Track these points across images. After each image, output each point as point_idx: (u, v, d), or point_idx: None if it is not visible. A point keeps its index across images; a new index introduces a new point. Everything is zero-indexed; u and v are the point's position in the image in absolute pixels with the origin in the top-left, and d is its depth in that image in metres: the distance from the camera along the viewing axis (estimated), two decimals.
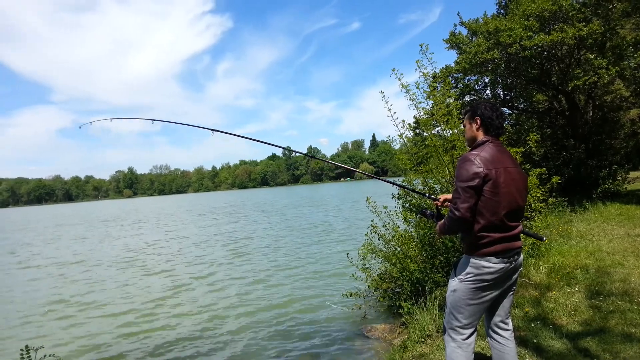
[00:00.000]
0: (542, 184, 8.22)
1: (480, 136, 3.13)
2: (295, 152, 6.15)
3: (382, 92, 7.53)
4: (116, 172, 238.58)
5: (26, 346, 4.10)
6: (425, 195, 4.01)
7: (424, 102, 7.59)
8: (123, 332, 8.19)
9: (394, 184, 5.00)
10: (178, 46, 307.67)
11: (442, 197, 3.56)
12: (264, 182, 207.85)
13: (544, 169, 8.47)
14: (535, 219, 9.67)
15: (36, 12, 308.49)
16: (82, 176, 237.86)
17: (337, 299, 8.63)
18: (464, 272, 3.01)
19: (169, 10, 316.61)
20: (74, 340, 7.94)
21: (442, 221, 3.12)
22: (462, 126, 3.43)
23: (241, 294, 10.26)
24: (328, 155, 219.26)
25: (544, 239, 3.64)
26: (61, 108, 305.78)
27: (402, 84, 7.50)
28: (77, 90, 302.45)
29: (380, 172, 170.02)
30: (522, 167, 9.99)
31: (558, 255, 7.49)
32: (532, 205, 7.59)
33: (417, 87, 7.59)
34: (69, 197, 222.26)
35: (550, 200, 8.48)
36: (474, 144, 3.16)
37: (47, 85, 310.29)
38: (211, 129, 5.15)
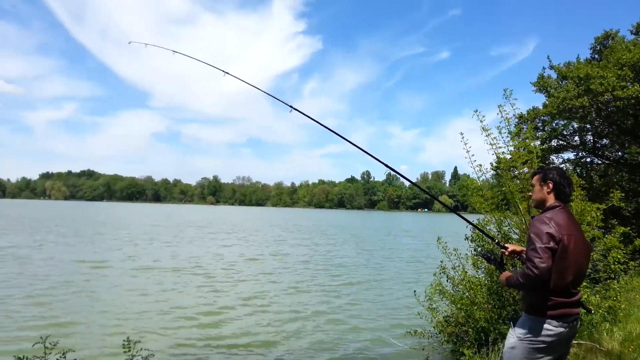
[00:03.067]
0: (627, 244, 7.91)
1: (551, 200, 3.30)
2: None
3: (461, 134, 7.59)
4: (202, 178, 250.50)
5: (127, 338, 4.61)
6: (495, 241, 4.05)
7: (503, 147, 7.61)
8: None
9: (469, 223, 5.02)
10: (270, 63, 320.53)
11: (510, 247, 3.64)
12: (340, 203, 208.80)
13: (628, 228, 8.15)
14: (620, 279, 9.24)
15: (144, 22, 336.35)
16: (171, 179, 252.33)
17: (400, 336, 8.74)
18: (524, 332, 3.15)
19: (264, 28, 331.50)
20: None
21: (514, 275, 3.22)
22: (530, 185, 3.60)
23: (309, 314, 10.70)
24: (407, 183, 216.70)
25: (592, 311, 3.71)
26: (158, 113, 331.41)
27: (482, 128, 7.56)
28: (173, 98, 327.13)
29: (459, 207, 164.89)
30: (609, 222, 9.62)
31: (637, 322, 7.17)
32: (612, 266, 7.35)
33: (500, 132, 7.61)
34: (157, 198, 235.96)
35: (631, 263, 8.13)
36: (544, 206, 3.33)
37: (148, 92, 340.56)
38: (224, 71, 5.93)
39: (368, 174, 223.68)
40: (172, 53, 6.68)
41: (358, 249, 27.04)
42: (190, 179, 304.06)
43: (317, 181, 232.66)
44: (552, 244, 2.99)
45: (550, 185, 3.32)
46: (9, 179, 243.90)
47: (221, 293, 12.88)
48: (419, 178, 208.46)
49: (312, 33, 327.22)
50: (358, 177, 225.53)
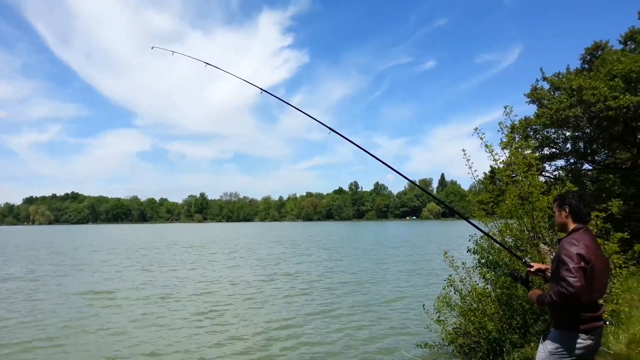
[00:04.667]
0: (627, 248, 8.16)
1: (570, 224, 3.55)
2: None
3: (463, 150, 7.95)
4: (189, 196, 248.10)
5: None
6: (521, 260, 4.16)
7: (502, 156, 7.89)
8: None
9: (492, 238, 5.26)
10: (256, 79, 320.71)
11: (535, 265, 3.89)
12: (328, 215, 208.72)
13: (627, 233, 8.43)
14: (615, 282, 9.51)
15: (130, 42, 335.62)
16: (157, 198, 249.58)
17: (411, 346, 8.90)
18: (555, 346, 3.38)
19: (250, 45, 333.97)
20: None
21: (545, 293, 3.39)
22: (552, 211, 3.86)
23: (317, 326, 10.91)
24: (394, 192, 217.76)
25: (611, 323, 3.92)
26: (143, 132, 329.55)
27: (486, 145, 7.82)
28: (159, 116, 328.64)
29: (447, 214, 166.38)
30: (603, 226, 9.91)
31: (639, 324, 7.42)
32: (612, 271, 7.60)
33: (503, 148, 7.92)
34: (143, 218, 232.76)
35: (632, 268, 8.39)
36: (567, 230, 3.57)
37: (132, 111, 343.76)
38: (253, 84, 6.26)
39: (356, 184, 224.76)
40: (203, 65, 6.54)
41: (365, 262, 27.15)
42: (177, 197, 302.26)
43: (304, 194, 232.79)
44: (583, 264, 3.21)
45: (567, 210, 3.55)
46: None
47: (246, 320, 12.29)
48: (407, 186, 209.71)
49: (299, 47, 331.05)
50: (345, 188, 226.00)
